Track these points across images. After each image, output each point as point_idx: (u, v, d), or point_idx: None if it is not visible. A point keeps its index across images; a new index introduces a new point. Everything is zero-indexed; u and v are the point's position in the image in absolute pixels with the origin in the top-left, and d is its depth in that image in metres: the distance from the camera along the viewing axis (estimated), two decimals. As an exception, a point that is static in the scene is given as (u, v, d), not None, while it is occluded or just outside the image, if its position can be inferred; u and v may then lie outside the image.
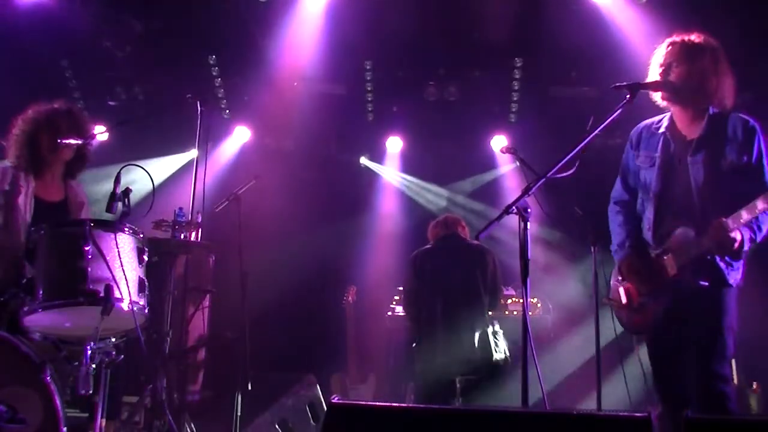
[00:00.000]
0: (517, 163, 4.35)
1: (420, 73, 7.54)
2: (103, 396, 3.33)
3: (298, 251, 7.51)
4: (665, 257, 3.46)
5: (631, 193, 3.73)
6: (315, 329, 7.44)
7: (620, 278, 3.66)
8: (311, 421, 5.01)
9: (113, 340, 3.49)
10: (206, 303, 5.93)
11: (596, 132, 3.19)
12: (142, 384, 4.60)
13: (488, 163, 8.26)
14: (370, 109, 7.89)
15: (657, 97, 3.58)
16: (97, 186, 5.43)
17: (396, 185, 8.54)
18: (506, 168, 8.21)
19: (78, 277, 3.22)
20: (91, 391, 3.24)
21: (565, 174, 3.14)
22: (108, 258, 3.28)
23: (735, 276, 3.40)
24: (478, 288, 5.47)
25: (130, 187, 3.50)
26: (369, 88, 7.60)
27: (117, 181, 3.50)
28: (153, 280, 3.61)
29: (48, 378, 3.15)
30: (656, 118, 3.71)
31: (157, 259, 4.53)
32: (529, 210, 3.04)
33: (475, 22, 6.77)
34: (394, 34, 6.80)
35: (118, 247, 3.32)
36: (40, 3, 6.39)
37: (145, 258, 3.49)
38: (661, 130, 3.61)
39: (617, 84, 3.34)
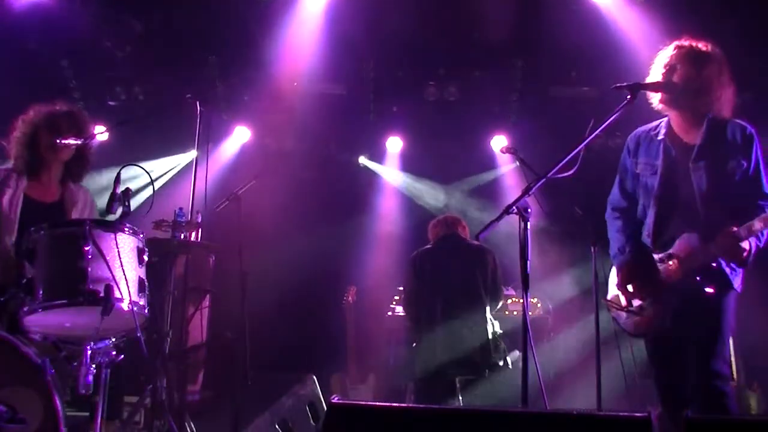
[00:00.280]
0: (517, 163, 4.35)
1: (420, 73, 7.54)
2: (103, 396, 3.32)
3: (298, 251, 7.51)
4: (670, 262, 3.47)
5: (629, 200, 3.73)
6: (315, 329, 7.44)
7: (620, 281, 3.66)
8: (311, 421, 5.01)
9: (113, 340, 3.49)
10: (206, 303, 5.93)
11: (597, 132, 3.19)
12: (142, 384, 4.60)
13: (488, 163, 8.26)
14: (370, 109, 7.90)
15: (655, 99, 3.58)
16: (97, 186, 5.43)
17: (396, 185, 8.54)
18: (506, 168, 8.21)
19: (78, 277, 3.22)
20: (91, 391, 3.24)
21: (565, 174, 3.14)
22: (108, 258, 3.28)
23: (737, 280, 3.43)
24: (478, 288, 5.47)
25: (130, 187, 3.50)
26: (369, 88, 7.61)
27: (117, 181, 3.50)
28: (153, 280, 3.60)
29: (48, 378, 3.15)
30: (652, 125, 3.72)
31: (157, 259, 4.53)
32: (529, 210, 3.04)
33: (475, 22, 6.77)
34: (394, 34, 6.80)
35: (118, 247, 3.32)
36: (40, 3, 6.39)
37: (145, 258, 3.49)
38: (660, 136, 3.60)
39: (618, 84, 3.34)
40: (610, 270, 3.78)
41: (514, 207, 3.03)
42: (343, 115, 7.93)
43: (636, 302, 3.59)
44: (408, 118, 7.98)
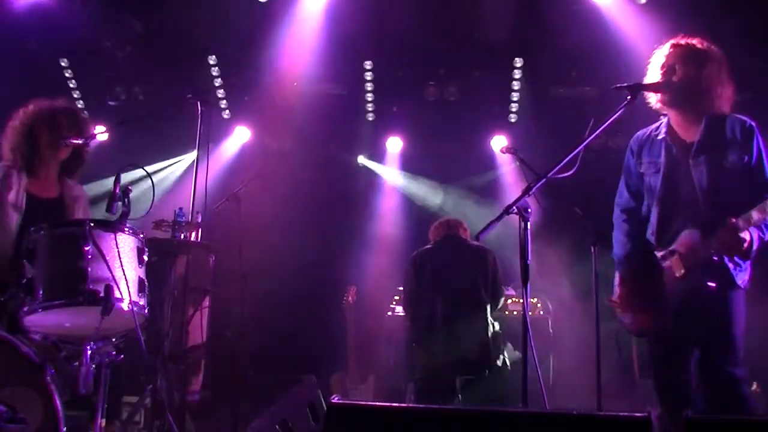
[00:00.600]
0: (517, 163, 4.35)
1: (420, 73, 7.55)
2: (103, 396, 3.32)
3: (298, 251, 7.51)
4: (672, 259, 3.46)
5: (636, 199, 3.73)
6: (315, 329, 7.43)
7: (623, 283, 3.66)
8: (311, 421, 5.01)
9: (113, 340, 3.49)
10: (206, 303, 5.93)
11: (597, 132, 3.19)
12: (142, 384, 4.60)
13: (488, 163, 8.25)
14: (370, 109, 7.90)
15: (654, 99, 3.58)
16: (98, 186, 5.44)
17: (396, 185, 8.53)
18: (506, 168, 8.21)
19: (78, 277, 3.21)
20: (91, 391, 3.24)
21: (565, 174, 3.14)
22: (108, 258, 3.27)
23: (743, 277, 3.39)
24: (479, 288, 5.47)
25: (130, 187, 3.50)
26: (369, 88, 7.61)
27: (117, 181, 3.50)
28: (153, 280, 3.60)
29: (48, 378, 3.15)
30: (653, 126, 3.73)
31: (157, 259, 4.53)
32: (529, 210, 3.04)
33: (475, 22, 6.77)
34: (394, 34, 6.81)
35: (118, 247, 3.32)
36: (39, 3, 6.39)
37: (145, 258, 3.49)
38: (661, 136, 3.61)
39: (618, 84, 3.34)
40: (614, 270, 3.78)
41: (514, 207, 3.03)
42: (343, 115, 7.93)
43: (639, 303, 3.58)
44: (408, 118, 7.97)
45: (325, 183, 8.30)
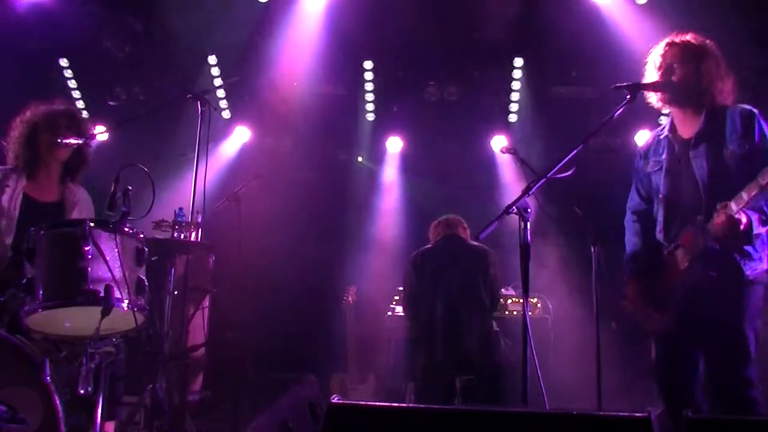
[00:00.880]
0: (518, 163, 4.35)
1: (420, 73, 7.55)
2: (103, 396, 3.32)
3: (298, 251, 7.51)
4: (676, 252, 3.43)
5: (647, 202, 3.72)
6: (315, 329, 7.44)
7: (631, 280, 3.65)
8: (311, 421, 5.01)
9: (113, 340, 3.49)
10: (206, 303, 5.92)
11: (596, 132, 3.19)
12: (142, 384, 4.60)
13: (488, 163, 8.26)
14: (370, 109, 7.90)
15: (654, 99, 3.58)
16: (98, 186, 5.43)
17: (396, 185, 8.53)
18: (506, 168, 8.20)
19: (78, 277, 3.21)
20: (91, 391, 3.24)
21: (564, 174, 3.14)
22: (108, 258, 3.27)
23: (754, 268, 3.27)
24: (479, 288, 5.47)
25: (130, 187, 3.49)
26: (369, 88, 7.61)
27: (117, 181, 3.50)
28: (153, 280, 3.60)
29: (48, 378, 3.15)
30: (659, 128, 3.74)
31: (157, 259, 4.53)
32: (529, 210, 3.04)
33: (475, 22, 6.77)
34: (394, 34, 6.81)
35: (118, 248, 3.32)
36: (39, 3, 6.39)
37: (145, 258, 3.49)
38: (664, 134, 3.62)
39: (617, 84, 3.34)
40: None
41: (514, 207, 3.03)
42: (343, 115, 7.93)
43: (645, 301, 3.57)
44: (408, 118, 7.97)
45: (324, 183, 8.30)
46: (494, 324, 5.50)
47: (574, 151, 3.13)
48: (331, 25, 6.68)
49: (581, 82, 7.35)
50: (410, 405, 3.76)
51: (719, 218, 3.17)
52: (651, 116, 6.40)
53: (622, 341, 5.88)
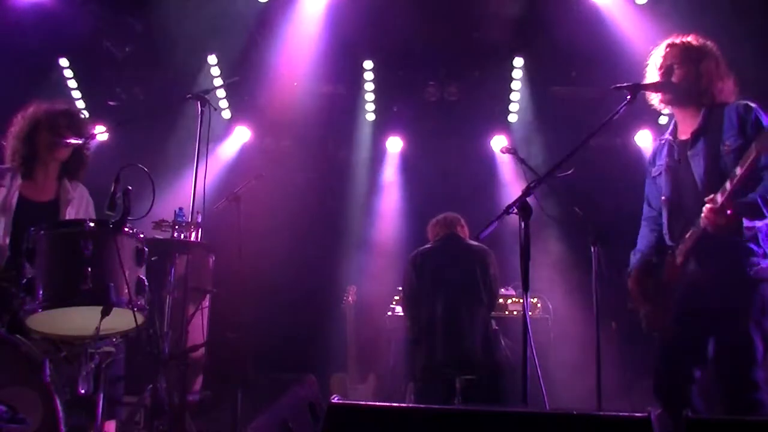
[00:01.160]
0: (518, 163, 4.35)
1: (420, 73, 7.55)
2: (103, 396, 3.32)
3: (298, 251, 7.51)
4: (676, 250, 3.44)
5: (657, 208, 3.70)
6: (315, 329, 7.44)
7: (633, 278, 3.66)
8: (311, 421, 5.01)
9: (113, 340, 3.49)
10: (206, 303, 5.92)
11: (596, 132, 3.19)
12: (142, 384, 4.60)
13: (488, 163, 8.26)
14: (370, 109, 7.90)
15: (655, 99, 3.59)
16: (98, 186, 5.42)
17: (396, 185, 8.52)
18: (506, 168, 8.20)
19: (78, 277, 3.21)
20: (91, 391, 3.24)
21: (564, 174, 3.14)
22: (108, 258, 3.28)
23: (757, 264, 3.20)
24: (478, 288, 5.47)
25: (130, 187, 3.49)
26: (369, 88, 7.61)
27: (117, 181, 3.50)
28: (153, 280, 3.60)
29: (48, 378, 3.15)
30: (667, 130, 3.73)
31: (157, 259, 4.52)
32: (529, 210, 3.04)
33: (475, 22, 6.77)
34: (394, 34, 6.80)
35: (117, 247, 3.32)
36: (39, 2, 6.38)
37: (145, 258, 3.49)
38: (666, 137, 3.63)
39: (618, 85, 3.34)
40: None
41: (514, 207, 3.03)
42: (343, 115, 7.93)
43: (646, 299, 3.58)
44: (408, 118, 7.98)
45: (324, 183, 8.30)
46: (493, 323, 5.50)
47: (574, 151, 3.13)
48: (331, 25, 6.68)
49: (581, 82, 7.35)
50: (410, 405, 3.77)
51: (707, 211, 3.14)
52: (651, 116, 6.42)
53: (622, 341, 5.91)
